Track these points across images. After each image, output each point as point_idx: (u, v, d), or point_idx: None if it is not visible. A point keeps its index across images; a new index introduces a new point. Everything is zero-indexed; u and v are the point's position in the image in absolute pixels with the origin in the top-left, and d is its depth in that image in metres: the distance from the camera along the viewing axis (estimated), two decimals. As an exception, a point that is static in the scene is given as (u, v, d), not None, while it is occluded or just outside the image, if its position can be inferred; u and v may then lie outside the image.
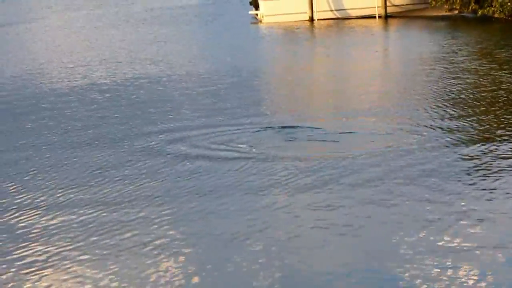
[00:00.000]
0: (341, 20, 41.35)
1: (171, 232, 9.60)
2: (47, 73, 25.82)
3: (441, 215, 9.64)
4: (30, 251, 9.22)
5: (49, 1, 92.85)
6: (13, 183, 12.20)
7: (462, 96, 17.52)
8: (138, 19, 53.66)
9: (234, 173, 11.93)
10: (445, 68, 22.10)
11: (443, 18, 39.02)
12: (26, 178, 12.39)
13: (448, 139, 13.55)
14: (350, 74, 23.29)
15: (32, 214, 10.62)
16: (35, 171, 12.79)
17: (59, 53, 33.02)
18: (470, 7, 37.95)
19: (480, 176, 11.22)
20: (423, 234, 9.04)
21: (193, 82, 22.06)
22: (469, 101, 16.96)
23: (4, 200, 11.36)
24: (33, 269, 8.68)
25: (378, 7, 40.96)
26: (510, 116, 15.18)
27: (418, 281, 7.78)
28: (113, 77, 23.83)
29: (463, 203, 10.07)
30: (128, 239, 9.35)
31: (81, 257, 8.90)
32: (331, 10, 42.40)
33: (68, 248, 9.22)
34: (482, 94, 17.81)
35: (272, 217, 10.00)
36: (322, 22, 40.98)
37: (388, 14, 40.94)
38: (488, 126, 14.41)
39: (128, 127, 15.87)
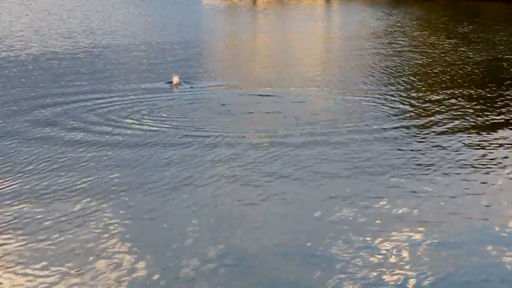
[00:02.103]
0: (285, -3, 41.37)
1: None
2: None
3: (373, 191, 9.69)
4: None
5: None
6: None
7: (389, 70, 17.69)
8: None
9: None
10: (381, 42, 22.26)
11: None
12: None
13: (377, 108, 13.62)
14: (285, 47, 23.32)
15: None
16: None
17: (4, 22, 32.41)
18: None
19: (418, 150, 11.30)
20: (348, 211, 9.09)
21: (126, 54, 21.84)
22: (395, 76, 17.12)
23: None
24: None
25: (321, -17, 41.04)
26: (447, 89, 15.37)
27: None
28: (43, 47, 23.50)
29: (392, 179, 10.10)
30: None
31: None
32: (275, -15, 42.37)
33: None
34: (419, 68, 18.00)
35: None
36: (265, 0, 40.90)
37: (331, -10, 41.04)
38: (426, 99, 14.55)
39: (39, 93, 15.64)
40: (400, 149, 10.97)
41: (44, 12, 36.64)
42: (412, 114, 13.29)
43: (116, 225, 8.62)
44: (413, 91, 15.26)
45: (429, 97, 14.68)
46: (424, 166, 10.28)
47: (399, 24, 27.03)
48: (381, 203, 9.00)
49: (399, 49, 21.00)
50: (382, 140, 11.45)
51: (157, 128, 12.73)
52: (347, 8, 34.62)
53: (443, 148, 11.01)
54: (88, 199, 9.44)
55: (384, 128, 12.23)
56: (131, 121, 13.21)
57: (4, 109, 14.54)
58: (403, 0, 36.64)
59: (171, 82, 16.55)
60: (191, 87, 16.32)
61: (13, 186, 10.04)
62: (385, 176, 9.91)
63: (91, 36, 26.02)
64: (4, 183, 10.18)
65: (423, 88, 15.48)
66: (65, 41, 24.81)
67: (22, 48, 23.62)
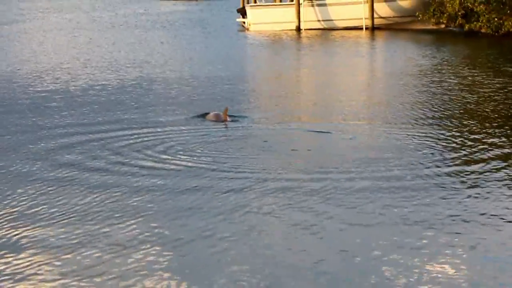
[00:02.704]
0: (328, 30, 41.39)
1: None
2: (27, 75, 25.67)
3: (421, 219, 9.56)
4: None
5: (41, 2, 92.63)
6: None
7: (440, 109, 17.51)
8: (124, 24, 53.50)
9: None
10: (429, 80, 22.11)
11: (429, 31, 39.15)
12: None
13: (428, 147, 13.48)
14: (335, 83, 23.24)
15: None
16: None
17: (40, 55, 32.85)
18: (457, 22, 38.09)
19: (463, 186, 11.14)
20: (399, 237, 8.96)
21: (176, 88, 21.93)
22: (454, 113, 16.94)
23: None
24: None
25: (365, 18, 41.05)
26: (490, 125, 15.17)
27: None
28: (92, 80, 23.70)
29: (443, 209, 10.00)
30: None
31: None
32: (318, 20, 42.46)
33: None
34: (469, 107, 17.82)
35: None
36: (309, 32, 41.00)
37: (375, 26, 41.03)
38: (471, 135, 14.36)
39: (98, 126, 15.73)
40: (451, 198, 10.64)
41: (90, 45, 37.06)
42: (466, 155, 13.05)
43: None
44: (465, 130, 15.04)
45: (481, 136, 14.45)
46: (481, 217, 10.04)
47: (446, 62, 26.86)
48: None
49: (448, 87, 20.82)
50: (433, 187, 11.19)
51: (202, 164, 12.73)
52: (392, 45, 34.55)
53: (498, 199, 10.64)
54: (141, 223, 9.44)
55: (437, 171, 12.00)
56: (167, 156, 13.23)
57: (53, 141, 14.65)
58: (447, 38, 36.48)
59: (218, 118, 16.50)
60: (234, 121, 16.31)
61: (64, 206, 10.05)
62: (431, 228, 9.67)
63: (137, 69, 26.22)
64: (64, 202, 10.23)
65: (474, 128, 15.26)
66: (112, 74, 25.03)
67: (70, 80, 23.85)
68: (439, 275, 7.95)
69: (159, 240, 9.14)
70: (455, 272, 8.02)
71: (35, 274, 8.22)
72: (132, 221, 9.81)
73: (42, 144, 14.28)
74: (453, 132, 14.74)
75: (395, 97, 19.30)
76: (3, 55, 32.51)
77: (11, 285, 7.98)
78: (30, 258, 8.65)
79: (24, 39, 41.33)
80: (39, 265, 8.46)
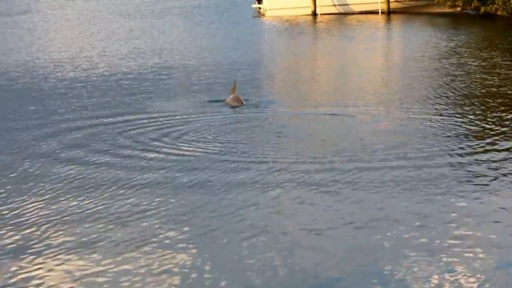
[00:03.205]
0: (344, 15, 41.34)
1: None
2: (43, 64, 25.85)
3: (436, 214, 9.57)
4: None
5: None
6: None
7: (462, 91, 17.51)
8: (140, 12, 53.64)
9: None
10: (449, 63, 22.09)
11: (445, 14, 39.02)
12: None
13: (442, 133, 13.49)
14: (352, 67, 23.29)
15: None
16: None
17: (58, 44, 33.04)
18: (473, 4, 37.96)
19: (478, 176, 11.13)
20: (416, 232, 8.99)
21: (194, 74, 22.04)
22: (468, 97, 16.93)
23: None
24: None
25: (381, 2, 40.93)
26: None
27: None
28: (112, 68, 23.86)
29: (458, 203, 9.92)
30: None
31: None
32: (334, 5, 42.37)
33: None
34: (490, 89, 17.81)
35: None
36: (324, 16, 40.96)
37: (391, 10, 40.92)
38: (487, 122, 14.38)
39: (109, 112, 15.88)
40: (472, 192, 10.41)
41: (108, 33, 37.23)
42: (491, 142, 12.89)
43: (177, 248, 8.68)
44: (489, 111, 15.05)
45: (505, 118, 14.46)
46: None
47: (464, 44, 26.80)
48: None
49: (468, 69, 20.79)
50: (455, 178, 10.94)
51: (216, 149, 12.83)
52: (408, 29, 34.47)
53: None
54: (154, 222, 9.55)
55: (460, 160, 11.82)
56: (185, 142, 13.34)
57: (76, 129, 14.83)
58: (463, 20, 36.33)
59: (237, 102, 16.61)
60: (251, 105, 16.45)
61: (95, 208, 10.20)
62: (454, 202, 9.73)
63: (155, 56, 26.33)
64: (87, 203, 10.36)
65: (497, 110, 15.26)
66: (131, 62, 25.16)
67: (90, 68, 24.01)
68: (457, 278, 7.82)
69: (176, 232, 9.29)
70: (470, 274, 7.85)
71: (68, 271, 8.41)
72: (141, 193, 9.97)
73: (64, 131, 14.47)
74: (477, 115, 14.75)
75: (414, 81, 19.32)
76: (22, 44, 32.72)
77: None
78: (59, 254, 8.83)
79: (42, 29, 41.56)
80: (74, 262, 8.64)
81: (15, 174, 11.80)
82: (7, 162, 12.54)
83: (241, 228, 9.23)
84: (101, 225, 9.37)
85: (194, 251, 8.55)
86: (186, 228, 9.24)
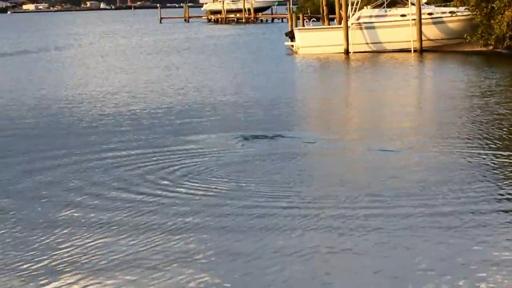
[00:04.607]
0: (377, 53, 41.73)
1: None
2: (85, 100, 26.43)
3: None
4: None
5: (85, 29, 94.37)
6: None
7: (496, 131, 17.63)
8: (175, 48, 54.48)
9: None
10: (478, 103, 22.23)
11: (478, 53, 39.27)
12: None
13: (476, 172, 13.54)
14: (383, 106, 23.53)
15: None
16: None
17: (98, 79, 33.72)
18: (505, 43, 38.17)
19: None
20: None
21: (231, 111, 22.43)
22: (503, 136, 17.06)
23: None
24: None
25: (413, 41, 41.31)
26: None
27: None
28: (148, 103, 24.39)
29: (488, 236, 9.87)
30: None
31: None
32: (367, 43, 42.82)
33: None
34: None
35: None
36: (357, 55, 41.37)
37: (423, 48, 41.28)
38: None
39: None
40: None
41: (145, 69, 37.92)
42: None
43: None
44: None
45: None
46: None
47: (497, 84, 27.01)
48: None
49: (504, 109, 20.83)
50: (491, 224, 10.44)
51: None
52: (441, 67, 34.80)
53: None
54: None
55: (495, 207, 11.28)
56: (223, 178, 13.48)
57: (115, 160, 15.20)
58: (496, 59, 36.61)
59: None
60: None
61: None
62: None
63: (193, 93, 26.85)
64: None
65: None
66: (169, 98, 25.72)
67: (130, 103, 24.55)
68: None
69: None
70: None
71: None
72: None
73: (105, 162, 14.88)
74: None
75: (449, 119, 19.47)
76: (62, 79, 33.46)
77: None
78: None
79: (81, 63, 42.40)
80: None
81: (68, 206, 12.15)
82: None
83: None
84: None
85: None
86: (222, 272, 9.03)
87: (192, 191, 12.58)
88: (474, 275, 8.61)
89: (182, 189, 12.75)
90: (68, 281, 8.71)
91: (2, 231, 10.75)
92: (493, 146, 15.76)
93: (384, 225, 10.45)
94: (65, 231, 10.67)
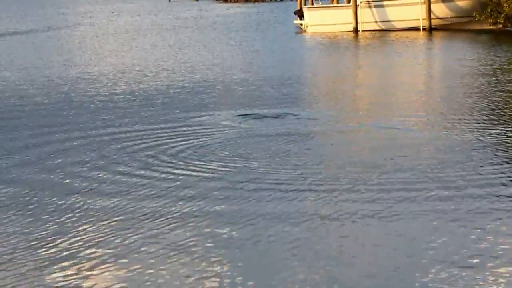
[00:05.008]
0: (385, 31, 41.75)
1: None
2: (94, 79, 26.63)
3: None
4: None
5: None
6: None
7: (507, 110, 17.75)
8: (184, 27, 54.57)
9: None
10: (486, 81, 22.33)
11: (487, 32, 39.27)
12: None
13: (483, 150, 13.65)
14: (396, 83, 23.66)
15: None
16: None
17: (107, 58, 33.89)
18: (515, 21, 38.18)
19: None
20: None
21: (240, 89, 22.60)
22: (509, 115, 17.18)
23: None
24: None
25: (422, 19, 41.30)
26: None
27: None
28: (157, 82, 24.56)
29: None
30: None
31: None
32: (376, 22, 42.82)
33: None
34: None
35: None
36: (366, 33, 41.40)
37: (432, 27, 41.28)
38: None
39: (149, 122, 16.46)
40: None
41: (153, 48, 38.04)
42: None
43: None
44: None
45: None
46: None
47: (507, 61, 27.05)
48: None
49: (512, 87, 20.97)
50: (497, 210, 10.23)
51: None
52: (451, 46, 34.86)
53: None
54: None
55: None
56: (230, 156, 13.61)
57: (125, 140, 15.43)
58: (505, 38, 36.57)
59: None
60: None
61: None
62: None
63: (201, 71, 27.00)
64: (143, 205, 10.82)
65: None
66: (180, 77, 25.86)
67: (139, 82, 24.74)
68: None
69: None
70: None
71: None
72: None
73: (115, 142, 15.11)
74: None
75: (460, 97, 19.58)
76: (71, 58, 33.65)
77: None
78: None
79: (90, 43, 42.56)
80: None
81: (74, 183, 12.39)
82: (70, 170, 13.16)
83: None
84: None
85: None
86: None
87: (192, 171, 12.73)
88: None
89: (193, 168, 12.99)
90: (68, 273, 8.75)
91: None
92: (505, 124, 15.86)
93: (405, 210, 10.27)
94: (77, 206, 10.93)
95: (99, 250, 9.05)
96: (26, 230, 9.84)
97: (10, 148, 14.84)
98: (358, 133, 15.85)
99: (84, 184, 12.05)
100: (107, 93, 22.03)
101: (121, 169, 12.90)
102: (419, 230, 9.44)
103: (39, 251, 9.08)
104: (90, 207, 10.82)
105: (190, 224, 9.88)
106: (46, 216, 10.45)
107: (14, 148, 14.79)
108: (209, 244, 9.10)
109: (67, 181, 12.29)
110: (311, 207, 10.48)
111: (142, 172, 12.64)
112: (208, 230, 9.61)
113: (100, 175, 12.56)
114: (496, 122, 16.00)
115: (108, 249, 9.06)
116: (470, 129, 15.29)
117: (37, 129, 16.77)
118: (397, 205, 10.40)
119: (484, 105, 18.18)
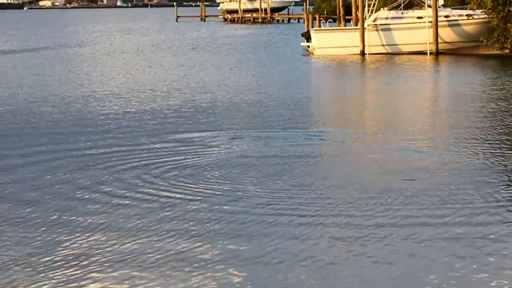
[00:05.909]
0: (392, 55, 42.01)
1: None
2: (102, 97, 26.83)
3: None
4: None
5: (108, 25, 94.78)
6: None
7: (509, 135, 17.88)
8: (192, 47, 54.89)
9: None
10: (492, 106, 22.45)
11: (494, 56, 39.52)
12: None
13: (485, 174, 13.73)
14: (400, 107, 23.78)
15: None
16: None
17: (114, 77, 34.16)
18: (521, 47, 38.41)
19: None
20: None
21: (248, 110, 22.78)
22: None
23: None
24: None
25: (429, 43, 41.57)
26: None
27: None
28: (166, 102, 24.78)
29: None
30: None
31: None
32: (383, 45, 43.10)
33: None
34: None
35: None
36: (373, 56, 41.64)
37: (439, 51, 41.55)
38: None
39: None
40: None
41: (162, 68, 38.33)
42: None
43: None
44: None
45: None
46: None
47: (513, 87, 27.20)
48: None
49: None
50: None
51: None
52: (458, 70, 35.06)
53: None
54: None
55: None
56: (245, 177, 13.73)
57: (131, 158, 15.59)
58: (509, 63, 36.80)
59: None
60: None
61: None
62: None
63: (209, 93, 27.21)
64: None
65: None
66: (186, 96, 26.08)
67: (143, 101, 24.94)
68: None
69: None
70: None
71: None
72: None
73: (120, 160, 15.30)
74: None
75: (469, 122, 19.66)
76: (79, 77, 33.90)
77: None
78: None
79: (97, 62, 42.85)
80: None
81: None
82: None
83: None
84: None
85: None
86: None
87: (200, 190, 12.93)
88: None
89: (206, 185, 13.17)
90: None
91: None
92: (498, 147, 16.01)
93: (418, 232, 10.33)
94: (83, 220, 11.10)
95: (85, 262, 9.26)
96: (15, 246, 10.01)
97: (16, 163, 15.09)
98: (365, 155, 15.98)
99: (98, 205, 12.21)
100: (118, 112, 22.23)
101: (142, 190, 13.09)
102: (431, 253, 9.53)
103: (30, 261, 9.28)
104: (112, 225, 11.00)
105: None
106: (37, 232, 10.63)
107: (17, 165, 15.01)
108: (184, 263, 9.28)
109: (88, 200, 12.46)
110: (317, 230, 10.56)
111: (164, 193, 12.77)
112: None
113: (116, 192, 12.74)
114: (506, 147, 16.14)
115: (93, 263, 9.26)
116: (480, 153, 15.42)
117: (52, 145, 17.00)
118: (404, 229, 10.48)
119: (495, 129, 18.27)
